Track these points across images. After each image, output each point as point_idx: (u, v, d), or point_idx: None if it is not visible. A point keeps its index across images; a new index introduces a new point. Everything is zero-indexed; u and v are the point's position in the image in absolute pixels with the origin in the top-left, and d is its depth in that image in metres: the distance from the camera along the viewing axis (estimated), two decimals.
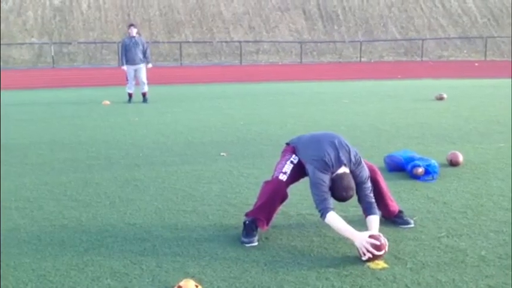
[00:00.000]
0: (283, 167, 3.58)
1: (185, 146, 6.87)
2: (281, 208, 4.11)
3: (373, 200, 3.48)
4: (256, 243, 3.44)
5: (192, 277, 2.93)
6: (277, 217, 3.94)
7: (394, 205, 3.84)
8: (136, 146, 6.91)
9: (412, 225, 3.75)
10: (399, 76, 20.32)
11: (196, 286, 2.78)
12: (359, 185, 3.44)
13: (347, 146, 3.50)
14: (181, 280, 2.84)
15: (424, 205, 4.24)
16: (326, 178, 3.36)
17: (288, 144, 3.80)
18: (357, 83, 17.50)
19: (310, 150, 3.51)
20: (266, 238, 3.55)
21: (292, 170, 3.56)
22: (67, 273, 3.05)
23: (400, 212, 3.85)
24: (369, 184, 3.50)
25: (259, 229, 3.53)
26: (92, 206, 4.30)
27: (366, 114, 9.68)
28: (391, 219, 3.80)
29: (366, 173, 3.50)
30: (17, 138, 7.65)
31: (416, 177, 4.98)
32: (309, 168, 3.44)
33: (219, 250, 3.36)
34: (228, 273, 3.03)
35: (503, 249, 3.32)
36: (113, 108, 11.37)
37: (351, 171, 3.43)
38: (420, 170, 4.99)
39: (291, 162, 3.60)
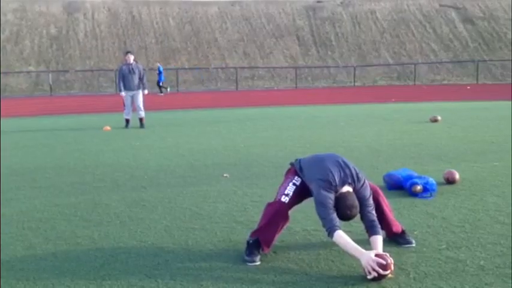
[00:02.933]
0: (286, 189, 3.66)
1: (188, 168, 7.03)
2: (286, 226, 4.27)
3: (375, 218, 3.54)
4: (258, 263, 3.49)
5: None
6: (284, 233, 4.08)
7: (397, 224, 3.88)
8: (141, 168, 7.07)
9: (414, 245, 3.79)
10: (393, 100, 20.65)
11: None
12: (361, 203, 3.51)
13: (350, 165, 3.61)
14: None
15: (424, 220, 4.41)
16: (331, 197, 3.44)
17: (291, 165, 3.88)
18: (352, 107, 17.80)
19: (314, 170, 3.59)
20: (274, 252, 3.69)
21: (295, 192, 3.65)
22: (86, 287, 3.18)
23: (403, 231, 3.89)
24: (371, 202, 3.58)
25: (260, 250, 3.59)
26: (103, 225, 4.44)
27: (363, 136, 9.89)
28: (394, 238, 3.85)
29: (368, 191, 3.59)
30: (23, 163, 7.79)
31: (414, 194, 5.16)
32: (314, 187, 3.50)
33: (230, 264, 3.50)
34: (241, 284, 3.17)
35: (501, 259, 3.48)
36: (114, 133, 11.56)
37: (354, 190, 3.53)
38: (419, 187, 5.17)
39: (294, 184, 3.67)
